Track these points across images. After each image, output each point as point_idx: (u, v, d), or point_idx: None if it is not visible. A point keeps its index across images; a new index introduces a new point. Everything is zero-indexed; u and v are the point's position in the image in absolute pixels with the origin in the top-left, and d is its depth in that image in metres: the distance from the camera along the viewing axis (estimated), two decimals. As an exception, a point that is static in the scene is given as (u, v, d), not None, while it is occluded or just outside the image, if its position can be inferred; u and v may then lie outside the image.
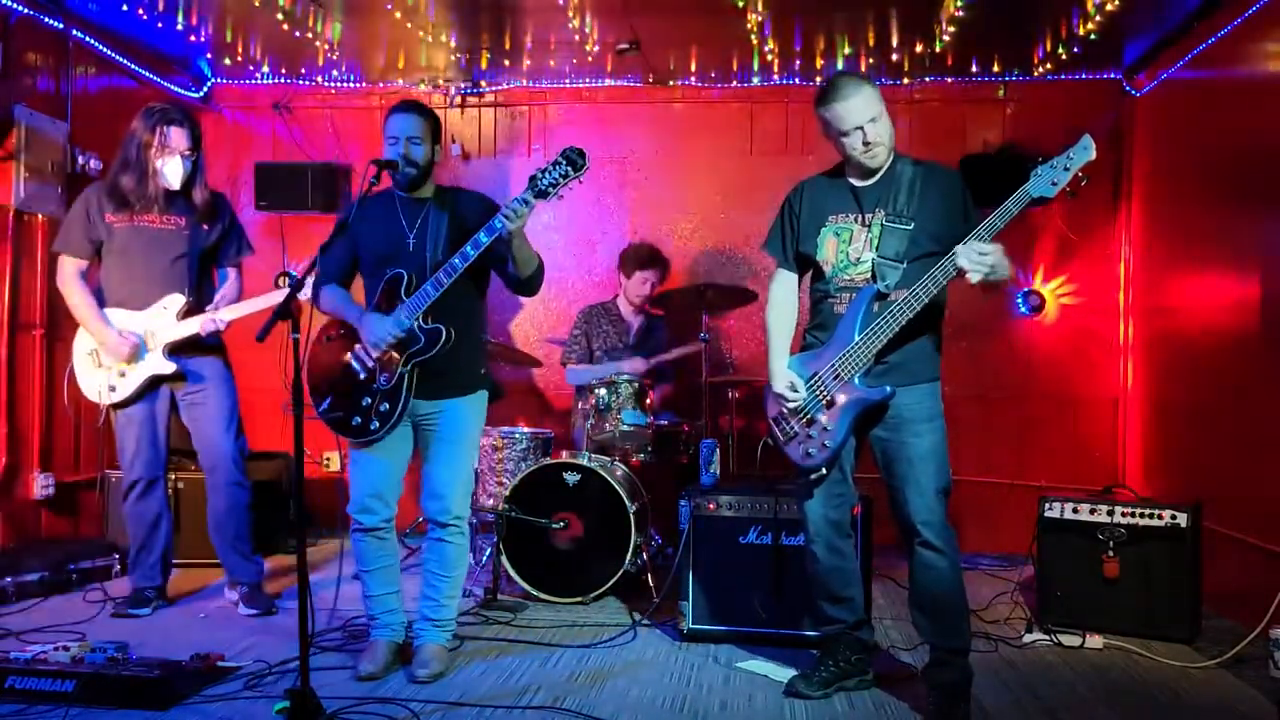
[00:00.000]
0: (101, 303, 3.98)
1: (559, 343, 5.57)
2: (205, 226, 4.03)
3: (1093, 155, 2.75)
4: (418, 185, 3.36)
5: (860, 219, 3.06)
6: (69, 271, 3.99)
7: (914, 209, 2.98)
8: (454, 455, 3.37)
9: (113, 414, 4.01)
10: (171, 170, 3.91)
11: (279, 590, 4.41)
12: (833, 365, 2.99)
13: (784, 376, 3.08)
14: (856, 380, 2.96)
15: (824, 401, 3.01)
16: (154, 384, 3.99)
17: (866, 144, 2.98)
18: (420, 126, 3.30)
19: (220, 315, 3.92)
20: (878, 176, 3.06)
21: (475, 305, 3.47)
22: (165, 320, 3.94)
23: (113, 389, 3.95)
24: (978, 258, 2.78)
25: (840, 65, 5.46)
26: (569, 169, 3.15)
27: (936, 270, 2.85)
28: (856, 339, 2.95)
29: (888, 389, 2.94)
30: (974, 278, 2.80)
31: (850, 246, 3.05)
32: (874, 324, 2.93)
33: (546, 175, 3.15)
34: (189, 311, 3.95)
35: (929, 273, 2.86)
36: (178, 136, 3.89)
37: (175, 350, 3.96)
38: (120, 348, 3.89)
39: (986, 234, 2.80)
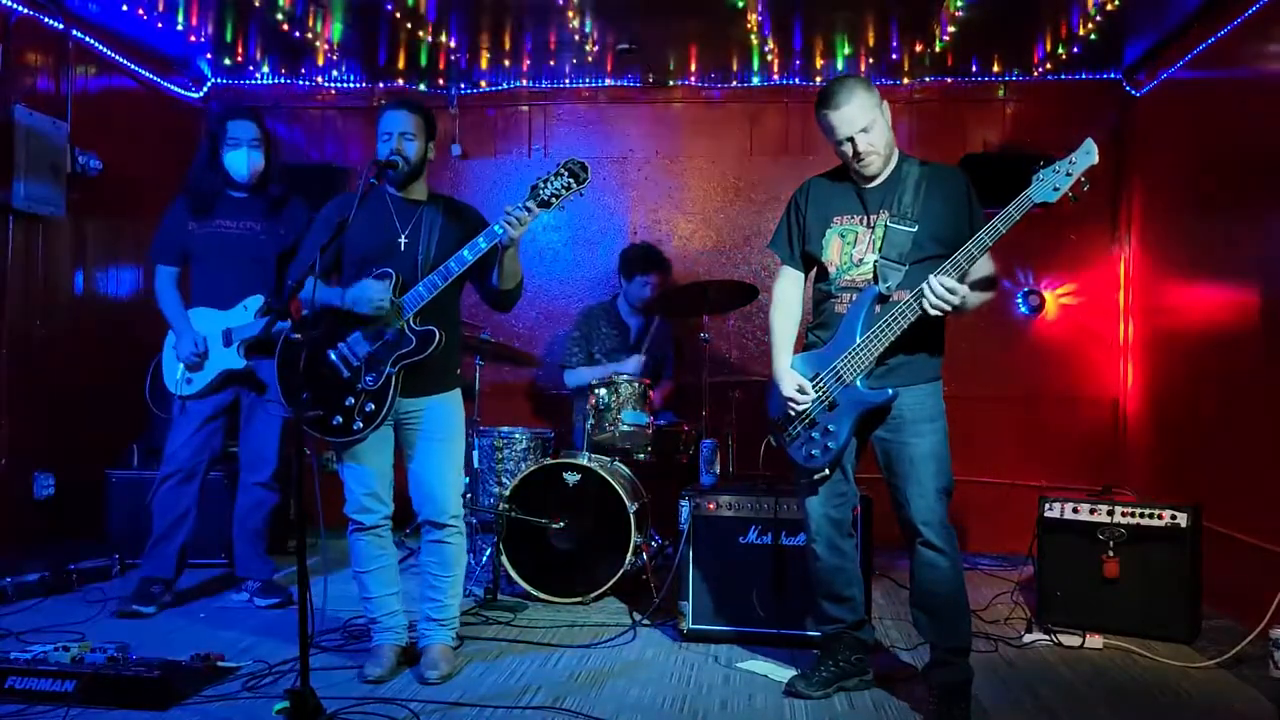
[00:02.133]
0: (191, 303, 4.14)
1: (560, 343, 5.56)
2: (280, 230, 4.10)
3: (1095, 160, 2.73)
4: (409, 182, 3.34)
5: (865, 220, 3.05)
6: (161, 278, 4.15)
7: (918, 211, 2.98)
8: (444, 454, 3.36)
9: (181, 405, 4.10)
10: (235, 161, 4.02)
11: (288, 590, 4.38)
12: (835, 367, 2.99)
13: (790, 379, 3.07)
14: (859, 382, 2.96)
15: (826, 403, 3.01)
16: (226, 381, 4.07)
17: (857, 154, 2.98)
18: (412, 123, 3.29)
19: None
20: (883, 178, 3.05)
21: (457, 307, 3.48)
22: (245, 319, 4.04)
23: (189, 381, 4.05)
24: (942, 294, 2.79)
25: (840, 65, 5.46)
26: (571, 181, 3.16)
27: (907, 303, 2.86)
28: (859, 340, 2.94)
29: (889, 392, 2.94)
30: (932, 313, 2.83)
31: (854, 248, 3.05)
32: (876, 326, 2.92)
33: (549, 185, 3.15)
34: (268, 311, 4.00)
35: (903, 302, 2.87)
36: (237, 127, 4.01)
37: (251, 350, 4.03)
38: (188, 348, 4.02)
39: (964, 263, 2.80)
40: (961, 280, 2.83)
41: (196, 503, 4.13)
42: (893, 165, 3.06)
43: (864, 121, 2.94)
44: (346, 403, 3.22)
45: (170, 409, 4.19)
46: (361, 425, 3.22)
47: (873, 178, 3.05)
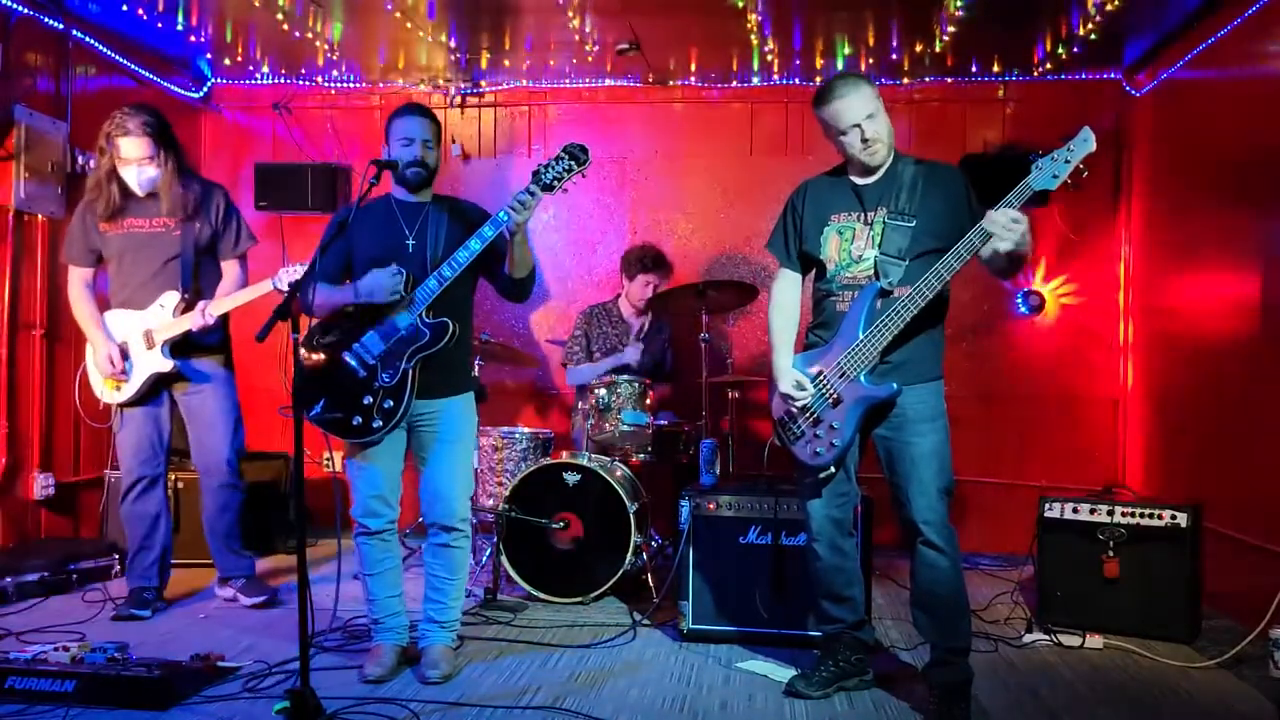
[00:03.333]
0: (110, 305, 4.05)
1: (559, 343, 5.56)
2: (196, 224, 4.01)
3: (1092, 147, 2.76)
4: (425, 187, 3.36)
5: (862, 217, 3.06)
6: (75, 281, 4.07)
7: (916, 207, 2.99)
8: (455, 457, 3.36)
9: (118, 413, 4.04)
10: (130, 178, 3.93)
11: (275, 587, 4.38)
12: (838, 363, 2.99)
13: (790, 376, 3.07)
14: (862, 378, 2.96)
15: (830, 400, 3.01)
16: (158, 384, 4.01)
17: (865, 141, 2.98)
18: (433, 130, 3.33)
19: (209, 309, 3.92)
20: (879, 175, 3.06)
21: (469, 305, 3.47)
22: (163, 318, 3.96)
23: (118, 389, 3.99)
24: (1010, 224, 2.75)
25: (840, 65, 5.46)
26: (572, 163, 3.17)
27: (965, 241, 2.82)
28: (861, 336, 2.95)
29: (894, 386, 2.94)
30: (1004, 245, 2.77)
31: (853, 245, 3.05)
32: (878, 321, 2.93)
33: (550, 170, 3.17)
34: (187, 308, 3.96)
35: (955, 247, 2.84)
36: (127, 147, 3.87)
37: (176, 350, 3.97)
38: (104, 364, 3.94)
39: (1016, 201, 2.78)
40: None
41: (165, 505, 4.09)
42: (889, 162, 3.07)
43: (869, 109, 2.97)
44: (365, 401, 3.22)
45: (111, 420, 4.12)
46: (381, 423, 3.21)
47: (875, 169, 3.05)
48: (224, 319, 4.07)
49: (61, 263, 4.13)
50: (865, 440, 3.11)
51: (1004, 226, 2.75)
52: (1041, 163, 2.79)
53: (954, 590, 3.00)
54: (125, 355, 3.97)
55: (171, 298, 3.97)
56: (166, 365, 3.96)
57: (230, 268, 4.11)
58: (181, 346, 3.98)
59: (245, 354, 4.29)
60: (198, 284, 4.03)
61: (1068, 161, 2.77)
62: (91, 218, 3.99)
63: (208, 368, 4.05)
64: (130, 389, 3.98)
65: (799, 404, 3.06)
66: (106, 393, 4.01)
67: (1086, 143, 2.76)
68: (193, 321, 3.91)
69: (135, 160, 3.89)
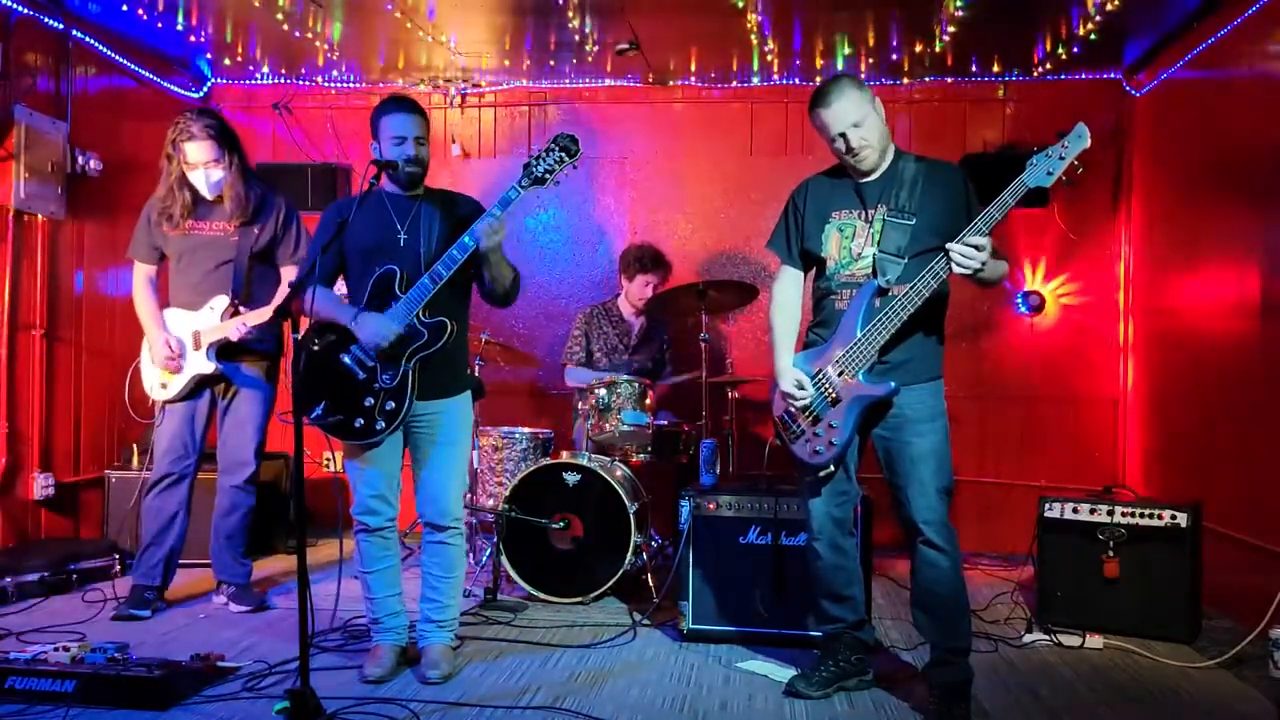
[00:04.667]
0: (167, 303, 4.10)
1: (559, 343, 5.57)
2: (256, 230, 4.03)
3: (1088, 143, 2.77)
4: (419, 184, 3.36)
5: (863, 215, 3.06)
6: (138, 277, 4.11)
7: (916, 204, 2.99)
8: (450, 458, 3.36)
9: (161, 410, 4.08)
10: (199, 182, 3.96)
11: (264, 595, 4.35)
12: (836, 362, 2.99)
13: (790, 375, 3.07)
14: (860, 377, 2.96)
15: (829, 399, 3.01)
16: (201, 384, 4.04)
17: (850, 149, 2.99)
18: (423, 126, 3.31)
19: (247, 319, 3.93)
20: (880, 173, 3.07)
21: (466, 302, 3.46)
22: (211, 320, 4.00)
23: (164, 385, 4.03)
24: (970, 254, 2.79)
25: (840, 65, 5.46)
26: (563, 155, 3.16)
27: (934, 265, 2.86)
28: (859, 335, 2.95)
29: (891, 385, 2.94)
30: (961, 272, 2.83)
31: (853, 242, 3.06)
32: (876, 319, 2.93)
33: (541, 162, 3.16)
34: (234, 313, 3.98)
35: (928, 268, 2.87)
36: (193, 151, 3.90)
37: (227, 353, 3.99)
38: (162, 355, 3.97)
39: (985, 227, 2.80)
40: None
41: (186, 506, 4.09)
42: (889, 160, 3.07)
43: (855, 116, 2.96)
44: (366, 403, 3.21)
45: (152, 414, 4.15)
46: (384, 425, 3.20)
47: (869, 172, 3.05)
48: (277, 326, 4.04)
49: (127, 257, 4.16)
50: (865, 440, 3.11)
51: (963, 257, 2.79)
52: (1036, 159, 2.80)
53: (954, 590, 3.00)
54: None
55: (221, 301, 4.00)
56: (209, 368, 3.99)
57: (289, 273, 4.10)
58: (232, 350, 4.00)
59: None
60: (249, 289, 4.04)
61: (1062, 158, 2.78)
62: (156, 217, 4.03)
63: (252, 374, 4.07)
64: (175, 387, 4.01)
65: (799, 404, 3.06)
66: (156, 388, 4.05)
67: (1081, 139, 2.77)
68: (233, 330, 3.92)
69: (202, 164, 3.92)
